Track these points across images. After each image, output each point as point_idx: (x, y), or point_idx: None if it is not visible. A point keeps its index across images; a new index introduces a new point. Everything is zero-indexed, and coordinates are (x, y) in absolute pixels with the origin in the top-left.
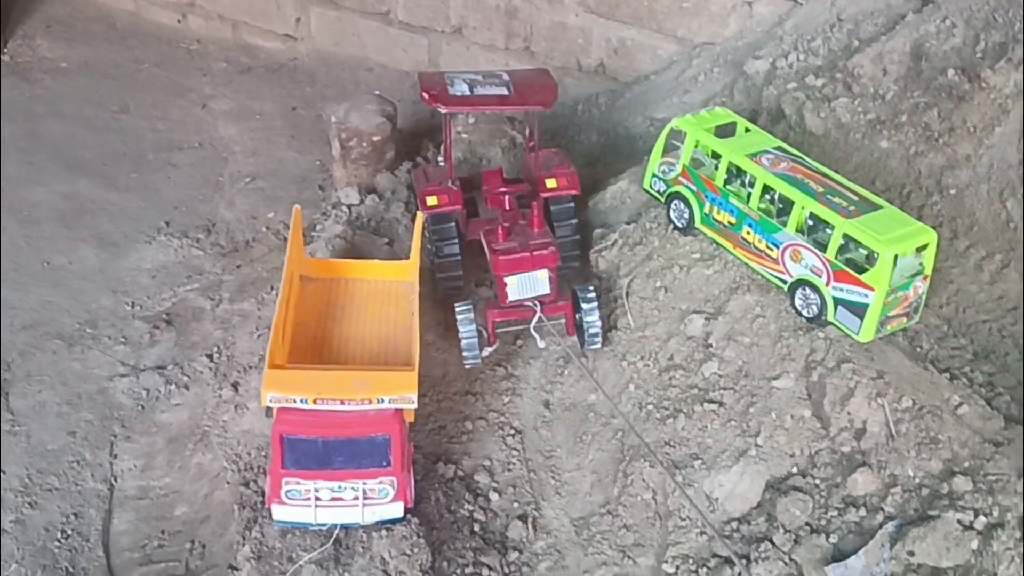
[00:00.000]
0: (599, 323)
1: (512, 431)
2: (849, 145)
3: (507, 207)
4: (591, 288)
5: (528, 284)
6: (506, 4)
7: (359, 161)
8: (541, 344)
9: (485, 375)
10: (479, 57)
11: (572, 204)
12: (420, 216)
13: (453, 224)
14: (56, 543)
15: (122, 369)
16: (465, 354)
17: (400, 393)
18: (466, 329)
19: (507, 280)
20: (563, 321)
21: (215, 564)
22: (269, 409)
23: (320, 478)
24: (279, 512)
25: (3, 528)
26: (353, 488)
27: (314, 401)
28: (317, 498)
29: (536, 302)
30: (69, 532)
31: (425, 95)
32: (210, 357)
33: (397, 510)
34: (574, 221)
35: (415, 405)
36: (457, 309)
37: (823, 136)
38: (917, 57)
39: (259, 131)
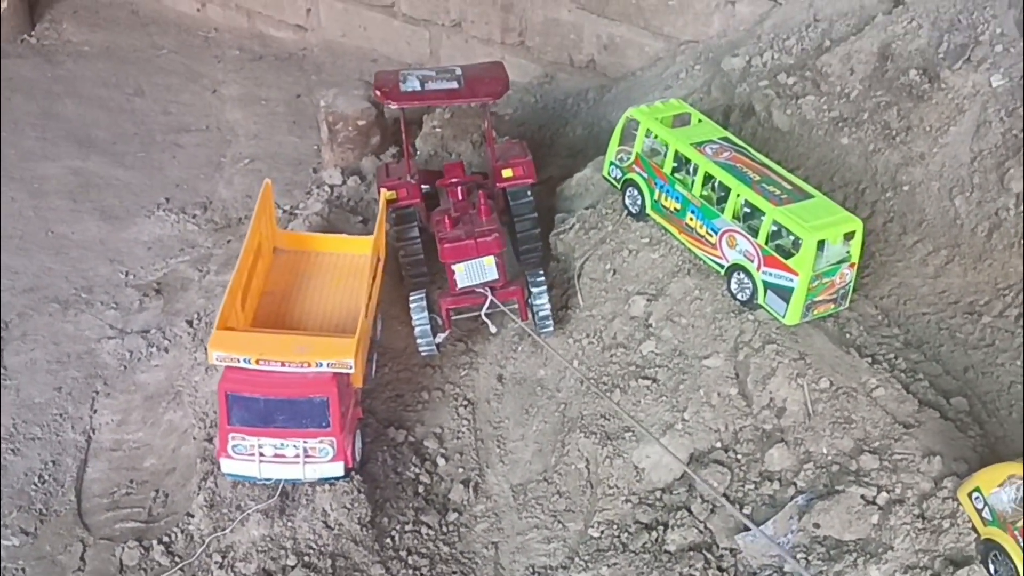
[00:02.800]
0: (548, 307)
1: (465, 402)
2: (812, 141)
3: (459, 197)
4: (540, 273)
5: (476, 271)
6: None
7: (345, 144)
8: (493, 330)
9: (446, 349)
10: (477, 50)
11: (530, 198)
12: (384, 193)
13: (413, 216)
14: (33, 487)
15: (110, 332)
16: (419, 341)
17: (337, 358)
18: (419, 317)
19: (454, 268)
20: (516, 306)
21: (175, 512)
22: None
23: (263, 435)
24: (227, 465)
25: None
26: (295, 446)
27: (256, 362)
28: (261, 454)
29: (487, 288)
30: (46, 478)
31: (377, 92)
32: (190, 323)
33: (337, 469)
34: (533, 214)
35: (352, 370)
36: (410, 298)
37: (788, 132)
38: (883, 57)
39: (263, 116)
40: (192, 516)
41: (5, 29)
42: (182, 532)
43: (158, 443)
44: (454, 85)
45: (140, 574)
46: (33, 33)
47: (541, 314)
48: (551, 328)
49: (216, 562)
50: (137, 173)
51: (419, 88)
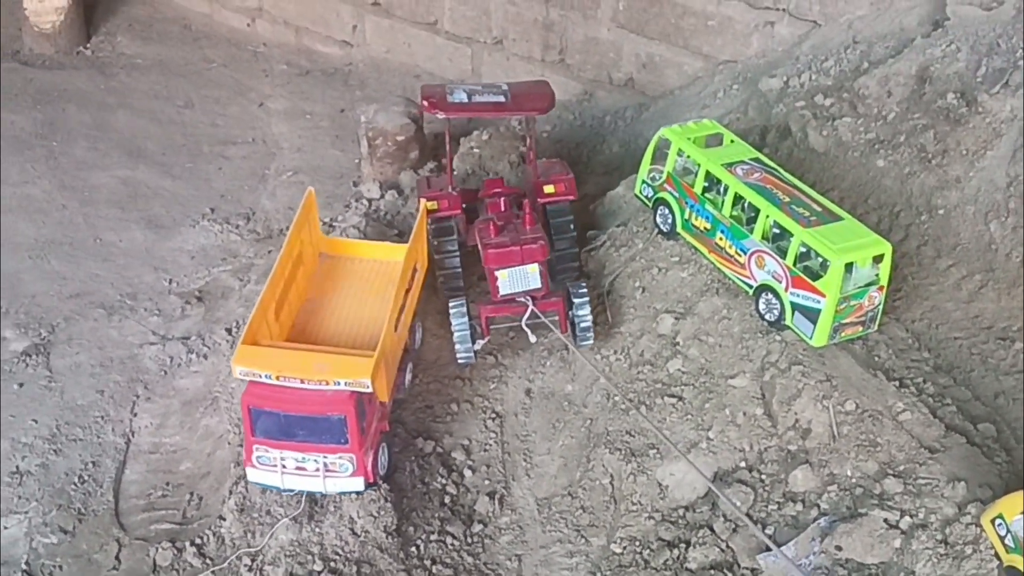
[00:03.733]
0: (590, 319)
1: (494, 415)
2: (847, 163)
3: (502, 208)
4: (583, 285)
5: (519, 278)
6: (543, 18)
7: (384, 159)
8: (532, 339)
9: (476, 362)
10: (517, 68)
11: (570, 215)
12: (425, 203)
13: (452, 228)
14: (73, 487)
15: (152, 338)
16: (458, 347)
17: (355, 377)
18: (459, 323)
19: (498, 274)
20: (556, 318)
21: (208, 514)
22: None
23: (285, 448)
24: (253, 475)
25: (29, 470)
26: (315, 460)
27: (277, 377)
28: (283, 465)
29: (528, 297)
30: (86, 478)
31: (425, 103)
32: (229, 331)
33: (357, 484)
34: (573, 231)
35: (369, 389)
36: (451, 304)
37: (824, 153)
38: (921, 80)
39: (307, 130)
40: (224, 520)
41: (62, 42)
42: (214, 535)
43: (194, 447)
44: (501, 99)
45: (172, 574)
46: (88, 46)
47: (583, 326)
48: (591, 341)
49: (246, 565)
50: (184, 184)
51: (466, 100)
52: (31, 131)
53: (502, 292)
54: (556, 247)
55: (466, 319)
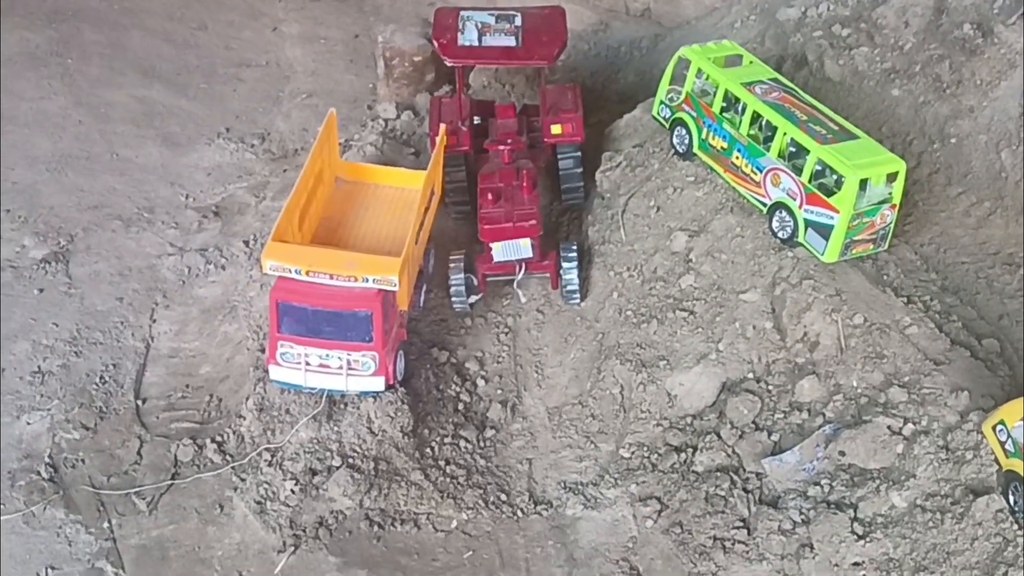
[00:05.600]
0: (576, 282)
1: (507, 329)
2: (862, 92)
3: (505, 160)
4: (573, 248)
5: (512, 249)
6: None
7: (401, 80)
8: (523, 299)
9: (491, 281)
10: None
11: (577, 154)
12: (443, 130)
13: (462, 159)
14: (94, 387)
15: (170, 249)
16: (453, 299)
17: (383, 275)
18: (455, 277)
19: (492, 245)
20: (548, 276)
21: (228, 415)
22: None
23: (309, 344)
24: (275, 372)
25: (50, 370)
26: (339, 358)
27: (307, 273)
28: (307, 363)
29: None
30: (107, 379)
31: (435, 42)
32: (246, 243)
33: (378, 383)
34: (578, 163)
35: (396, 288)
36: (450, 258)
37: (839, 83)
38: (938, 11)
39: (322, 54)
40: (243, 418)
41: None
42: (234, 433)
43: (213, 352)
44: (511, 42)
45: (193, 469)
46: None
47: (569, 288)
48: (578, 301)
49: (266, 460)
50: (199, 104)
51: (476, 42)
52: (46, 48)
53: (496, 260)
54: (561, 174)
55: (462, 274)
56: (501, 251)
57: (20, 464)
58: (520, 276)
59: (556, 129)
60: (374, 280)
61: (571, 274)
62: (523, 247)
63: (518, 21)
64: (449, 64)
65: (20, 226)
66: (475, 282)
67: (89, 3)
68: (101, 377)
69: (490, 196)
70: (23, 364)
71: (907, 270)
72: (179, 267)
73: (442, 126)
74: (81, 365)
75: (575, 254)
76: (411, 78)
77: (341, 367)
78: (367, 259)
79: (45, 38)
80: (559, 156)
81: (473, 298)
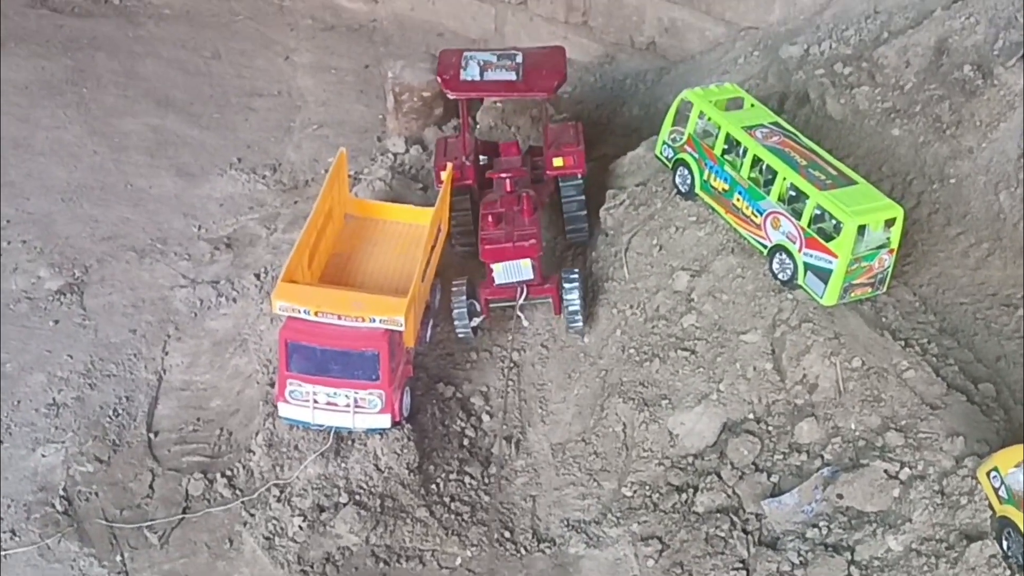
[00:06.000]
0: (577, 304)
1: (512, 364)
2: (863, 131)
3: (508, 189)
4: (575, 272)
5: (513, 270)
6: None
7: (410, 114)
8: (525, 323)
9: (496, 314)
10: (541, 29)
11: (579, 186)
12: (450, 167)
13: (467, 194)
14: (107, 419)
15: (182, 281)
16: (456, 323)
17: (389, 315)
18: (458, 300)
19: (492, 266)
20: (550, 300)
21: (237, 449)
22: None
23: (317, 383)
24: (284, 410)
25: (65, 403)
26: (346, 396)
27: (315, 313)
28: (315, 401)
29: (523, 284)
30: (120, 412)
31: (439, 79)
32: (257, 276)
33: (384, 421)
34: (581, 196)
35: (402, 328)
36: (453, 285)
37: (841, 121)
38: (939, 51)
39: (332, 84)
40: (253, 453)
41: None
42: (243, 468)
43: (224, 385)
44: (512, 76)
45: (204, 503)
46: None
47: (571, 309)
48: (580, 324)
49: (275, 496)
50: (211, 133)
51: (478, 77)
52: (62, 77)
53: (497, 282)
54: (564, 210)
55: (464, 299)
56: (502, 272)
57: (35, 496)
58: (521, 300)
59: (558, 162)
60: (380, 320)
61: (572, 294)
62: (524, 268)
63: (519, 59)
64: (451, 97)
65: (36, 257)
66: (478, 307)
67: (104, 31)
68: (115, 410)
69: (491, 219)
70: (38, 396)
71: (905, 312)
72: (191, 299)
73: (448, 164)
74: (95, 397)
75: (576, 276)
76: (420, 113)
77: (348, 405)
78: (374, 300)
79: (61, 66)
80: (562, 190)
81: (476, 321)
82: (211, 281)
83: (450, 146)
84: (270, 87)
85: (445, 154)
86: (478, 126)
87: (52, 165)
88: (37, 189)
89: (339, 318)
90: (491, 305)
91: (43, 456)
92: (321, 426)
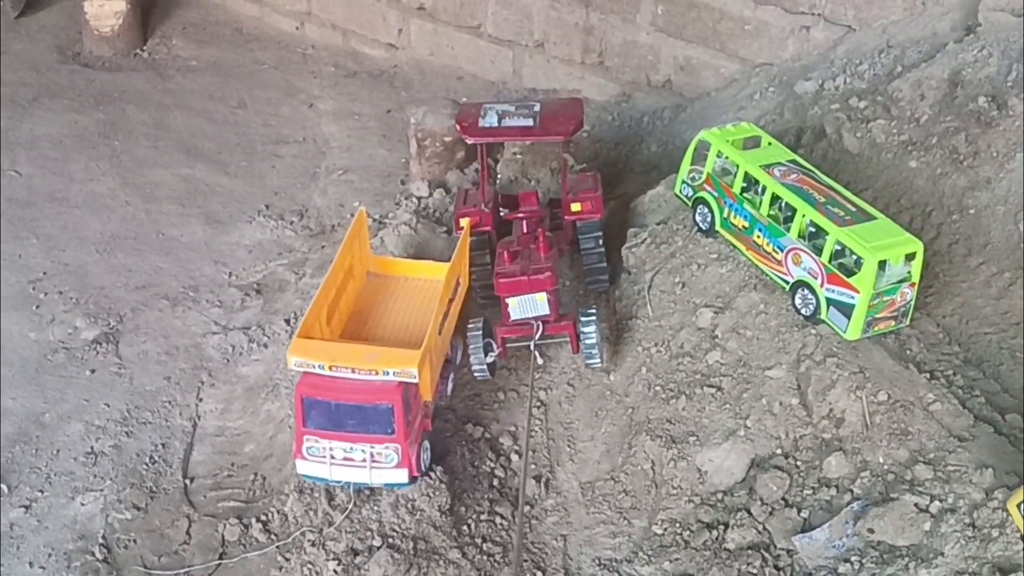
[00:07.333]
0: (595, 338)
1: (539, 403)
2: (881, 164)
3: (523, 230)
4: (592, 309)
5: (528, 305)
6: (583, 21)
7: (432, 159)
8: (540, 361)
9: (522, 354)
10: (558, 70)
11: (597, 231)
12: (466, 221)
13: (486, 243)
14: (144, 466)
15: (214, 328)
16: (472, 360)
17: (403, 367)
18: (474, 340)
19: (508, 301)
20: (567, 338)
21: (272, 493)
22: None
23: (334, 438)
24: (302, 467)
25: (103, 451)
26: (362, 450)
27: (330, 368)
28: (332, 456)
29: (539, 321)
30: (156, 459)
31: (458, 126)
32: (287, 322)
33: (401, 476)
34: (600, 246)
35: (415, 380)
36: (469, 324)
37: (858, 155)
38: (953, 84)
39: (356, 130)
40: (286, 497)
41: (120, 44)
42: (278, 512)
43: (257, 430)
44: (529, 123)
45: (240, 548)
46: (145, 48)
47: (587, 343)
48: (598, 361)
49: (309, 540)
50: (239, 181)
51: (496, 124)
52: (94, 130)
53: (512, 318)
54: (584, 259)
55: (480, 336)
56: (518, 307)
57: (75, 545)
58: (537, 337)
59: (576, 207)
60: (394, 373)
61: (590, 327)
62: (539, 303)
63: (536, 108)
64: (469, 142)
65: (72, 307)
66: (494, 346)
67: (134, 84)
68: (151, 457)
69: (506, 255)
70: (76, 445)
71: (930, 344)
72: (223, 346)
73: (465, 219)
74: (132, 445)
75: (593, 312)
76: (442, 157)
77: (364, 460)
78: (387, 352)
79: (93, 120)
80: (580, 237)
81: (491, 356)
82: (242, 327)
83: (470, 196)
84: (295, 134)
85: (464, 202)
86: (499, 177)
87: (86, 217)
88: (72, 241)
89: (353, 371)
90: (507, 344)
91: (82, 505)
92: (339, 482)
